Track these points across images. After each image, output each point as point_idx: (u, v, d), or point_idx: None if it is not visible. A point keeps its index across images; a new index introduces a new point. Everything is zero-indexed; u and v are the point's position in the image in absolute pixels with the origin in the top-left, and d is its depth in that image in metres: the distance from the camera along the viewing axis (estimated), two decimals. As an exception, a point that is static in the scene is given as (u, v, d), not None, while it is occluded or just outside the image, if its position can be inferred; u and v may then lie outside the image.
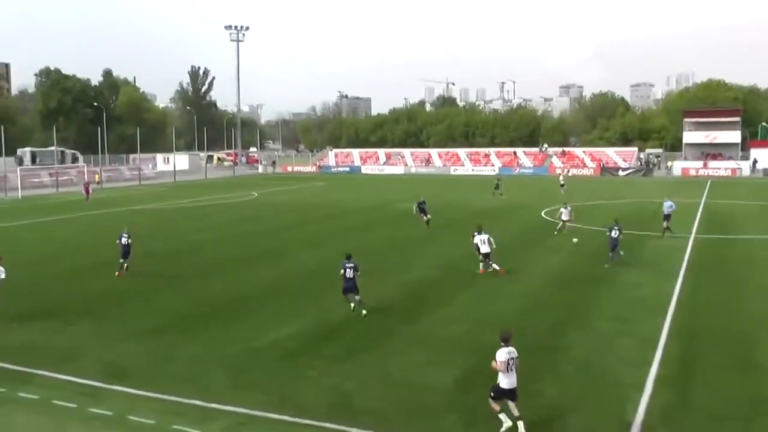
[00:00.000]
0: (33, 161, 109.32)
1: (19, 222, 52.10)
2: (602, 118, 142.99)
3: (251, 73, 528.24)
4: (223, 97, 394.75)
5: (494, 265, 29.57)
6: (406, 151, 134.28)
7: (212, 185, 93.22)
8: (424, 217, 45.75)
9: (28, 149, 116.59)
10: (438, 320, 22.88)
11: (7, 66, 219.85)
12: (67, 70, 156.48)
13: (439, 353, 19.38)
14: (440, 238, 40.96)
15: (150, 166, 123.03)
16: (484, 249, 29.70)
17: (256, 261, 33.97)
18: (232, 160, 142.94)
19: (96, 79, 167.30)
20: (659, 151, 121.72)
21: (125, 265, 30.28)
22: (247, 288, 28.02)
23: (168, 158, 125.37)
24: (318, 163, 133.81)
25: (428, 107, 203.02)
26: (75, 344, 20.76)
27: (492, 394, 14.85)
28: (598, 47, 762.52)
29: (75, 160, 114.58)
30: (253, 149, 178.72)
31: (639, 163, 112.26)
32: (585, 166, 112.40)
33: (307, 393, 16.67)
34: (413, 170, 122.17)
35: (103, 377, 17.75)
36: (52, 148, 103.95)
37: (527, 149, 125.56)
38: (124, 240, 30.50)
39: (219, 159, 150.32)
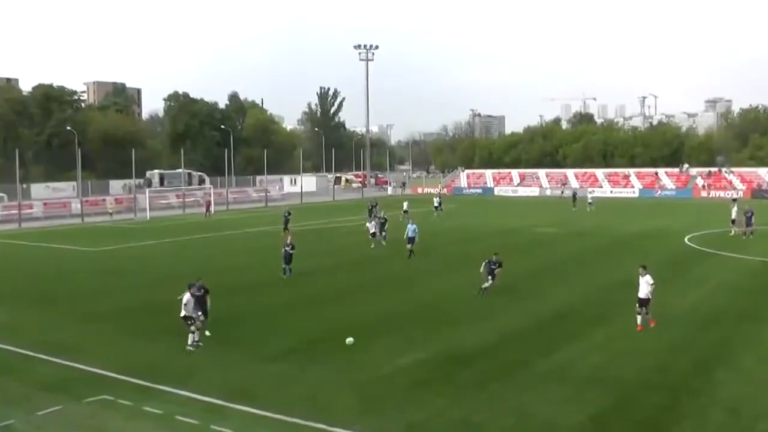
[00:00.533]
0: (161, 183, 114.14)
1: (148, 242, 54.37)
2: (754, 135, 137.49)
3: (381, 92, 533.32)
4: (352, 118, 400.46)
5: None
6: (541, 172, 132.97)
7: (339, 207, 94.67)
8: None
9: (156, 171, 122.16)
10: (574, 353, 22.52)
11: (138, 91, 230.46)
12: (194, 94, 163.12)
13: (574, 388, 19.07)
14: (580, 267, 40.35)
15: (277, 187, 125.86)
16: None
17: (382, 286, 34.42)
18: (360, 182, 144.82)
19: (223, 102, 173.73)
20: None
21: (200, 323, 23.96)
22: (372, 314, 28.41)
23: (295, 180, 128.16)
24: (450, 185, 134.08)
25: (564, 125, 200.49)
26: (200, 363, 21.62)
27: None
28: (748, 56, 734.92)
29: (202, 182, 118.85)
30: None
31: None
32: (733, 188, 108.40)
33: (435, 423, 16.74)
34: (548, 192, 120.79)
35: (226, 396, 18.41)
36: (180, 170, 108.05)
37: (669, 170, 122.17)
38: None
39: (347, 180, 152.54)
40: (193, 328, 23.24)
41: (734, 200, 79.76)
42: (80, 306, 30.55)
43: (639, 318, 25.11)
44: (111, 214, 79.73)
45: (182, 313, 23.44)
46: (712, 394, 18.65)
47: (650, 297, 25.16)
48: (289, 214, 59.50)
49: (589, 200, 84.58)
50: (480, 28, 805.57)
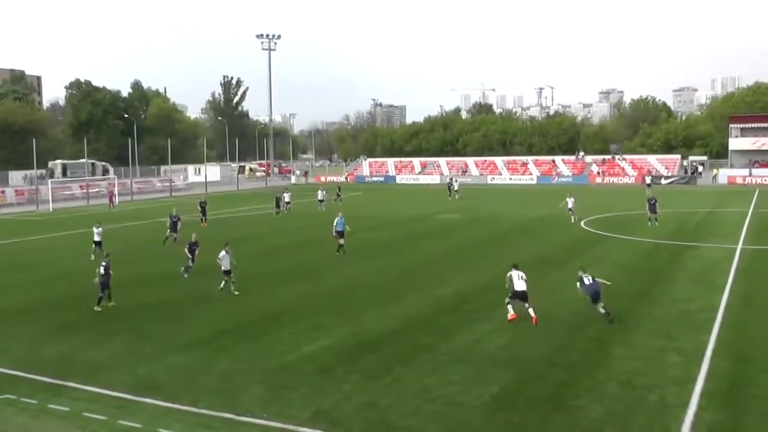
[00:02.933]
0: (64, 174, 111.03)
1: (51, 234, 52.88)
2: (644, 124, 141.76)
3: (284, 82, 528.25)
4: (256, 107, 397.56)
5: None
6: (442, 160, 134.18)
7: (244, 196, 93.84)
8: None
9: (59, 162, 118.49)
10: (476, 335, 22.87)
11: (38, 79, 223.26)
12: (97, 82, 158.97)
13: (478, 369, 19.39)
14: (482, 251, 40.88)
15: (181, 177, 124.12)
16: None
17: (289, 275, 34.16)
18: (264, 171, 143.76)
19: (126, 90, 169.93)
20: (704, 158, 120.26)
21: (103, 297, 27.45)
22: (280, 302, 28.23)
23: (199, 169, 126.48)
24: (352, 173, 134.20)
25: (464, 115, 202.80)
26: (109, 358, 21.13)
27: None
28: (639, 48, 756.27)
29: (106, 172, 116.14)
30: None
31: (684, 171, 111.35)
32: (626, 174, 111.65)
33: (342, 408, 16.75)
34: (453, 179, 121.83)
35: (135, 390, 18.09)
36: (83, 160, 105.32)
37: (566, 157, 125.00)
38: (101, 269, 27.48)
39: (251, 170, 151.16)
40: (227, 279, 29.73)
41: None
42: (-20, 301, 29.47)
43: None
44: None
45: (223, 268, 29.69)
46: (608, 369, 19.24)
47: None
48: (205, 203, 58.49)
49: (455, 188, 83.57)
50: (381, 19, 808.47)
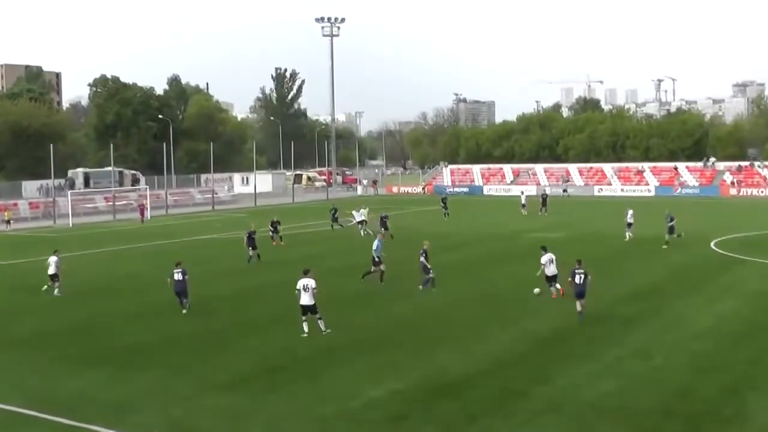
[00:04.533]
0: (86, 184, 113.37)
1: (70, 253, 53.83)
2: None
3: (348, 74, 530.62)
4: (315, 105, 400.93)
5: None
6: (539, 167, 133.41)
7: (301, 210, 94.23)
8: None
9: (80, 170, 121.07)
10: (577, 379, 22.62)
11: (57, 75, 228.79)
12: (126, 78, 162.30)
13: (579, 420, 19.17)
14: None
15: (225, 188, 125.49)
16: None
17: (351, 303, 34.28)
18: (325, 180, 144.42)
19: (161, 87, 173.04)
20: None
21: (186, 303, 32.29)
22: (339, 334, 28.26)
23: (247, 178, 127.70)
24: (431, 183, 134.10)
25: (565, 112, 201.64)
26: (136, 396, 21.42)
27: None
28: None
29: (136, 181, 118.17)
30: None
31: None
32: (767, 184, 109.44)
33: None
34: (547, 190, 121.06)
35: (167, 436, 18.20)
36: (109, 168, 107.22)
37: (691, 164, 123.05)
38: (177, 276, 32.12)
39: (309, 179, 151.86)
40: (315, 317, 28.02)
41: (524, 206, 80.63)
42: (-11, 330, 30.18)
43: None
44: (8, 222, 76.81)
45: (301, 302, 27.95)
46: (744, 423, 18.84)
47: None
48: (278, 222, 58.56)
49: (523, 202, 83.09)
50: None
